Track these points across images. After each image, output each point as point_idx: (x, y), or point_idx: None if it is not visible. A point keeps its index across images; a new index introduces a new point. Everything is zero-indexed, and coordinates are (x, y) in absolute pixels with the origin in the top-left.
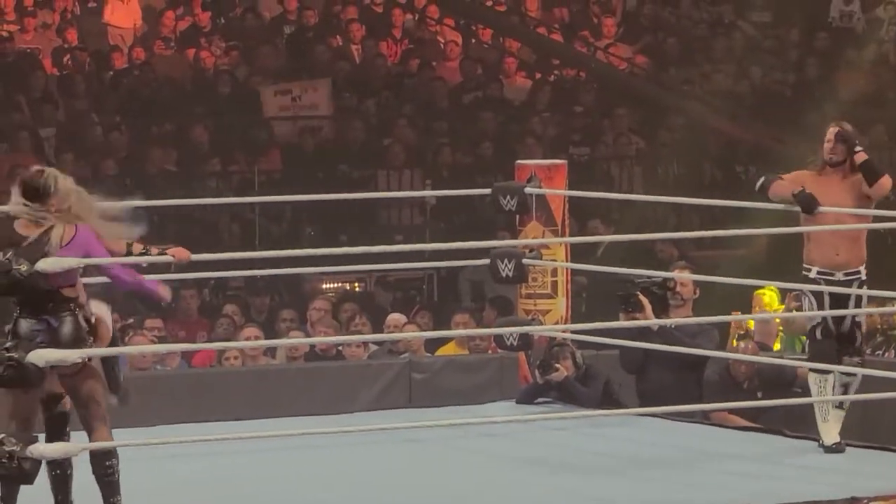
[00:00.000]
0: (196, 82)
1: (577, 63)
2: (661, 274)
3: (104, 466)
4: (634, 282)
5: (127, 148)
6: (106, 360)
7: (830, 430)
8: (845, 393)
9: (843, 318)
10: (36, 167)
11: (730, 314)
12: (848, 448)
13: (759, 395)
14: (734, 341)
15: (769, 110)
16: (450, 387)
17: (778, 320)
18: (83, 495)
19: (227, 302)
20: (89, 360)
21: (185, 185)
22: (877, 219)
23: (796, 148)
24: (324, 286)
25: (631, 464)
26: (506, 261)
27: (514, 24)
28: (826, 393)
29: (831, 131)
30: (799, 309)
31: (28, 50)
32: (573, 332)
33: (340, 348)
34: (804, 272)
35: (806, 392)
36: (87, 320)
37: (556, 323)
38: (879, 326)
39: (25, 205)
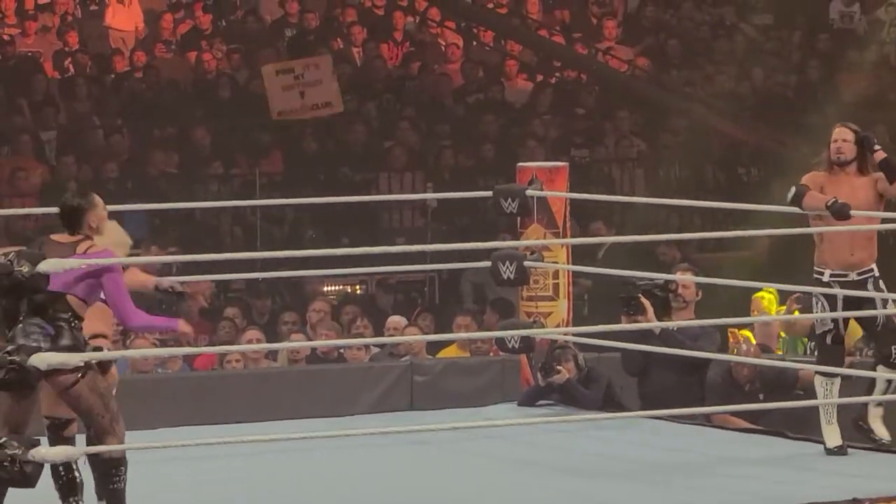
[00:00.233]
0: (197, 85)
1: (579, 65)
2: (663, 276)
3: (110, 474)
4: (636, 284)
5: (128, 151)
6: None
7: (833, 433)
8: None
9: (850, 320)
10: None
11: (732, 319)
12: (850, 450)
13: (761, 397)
14: (734, 351)
15: (771, 112)
16: (451, 389)
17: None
18: (83, 495)
19: (228, 304)
20: (87, 372)
21: (186, 187)
22: (885, 219)
23: (798, 150)
24: (325, 288)
25: (633, 466)
26: (507, 263)
27: (515, 26)
28: (832, 396)
29: (837, 132)
30: (801, 311)
31: (29, 53)
32: (575, 334)
33: (342, 351)
34: (816, 276)
35: (808, 394)
36: (85, 341)
37: (558, 325)
38: None
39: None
